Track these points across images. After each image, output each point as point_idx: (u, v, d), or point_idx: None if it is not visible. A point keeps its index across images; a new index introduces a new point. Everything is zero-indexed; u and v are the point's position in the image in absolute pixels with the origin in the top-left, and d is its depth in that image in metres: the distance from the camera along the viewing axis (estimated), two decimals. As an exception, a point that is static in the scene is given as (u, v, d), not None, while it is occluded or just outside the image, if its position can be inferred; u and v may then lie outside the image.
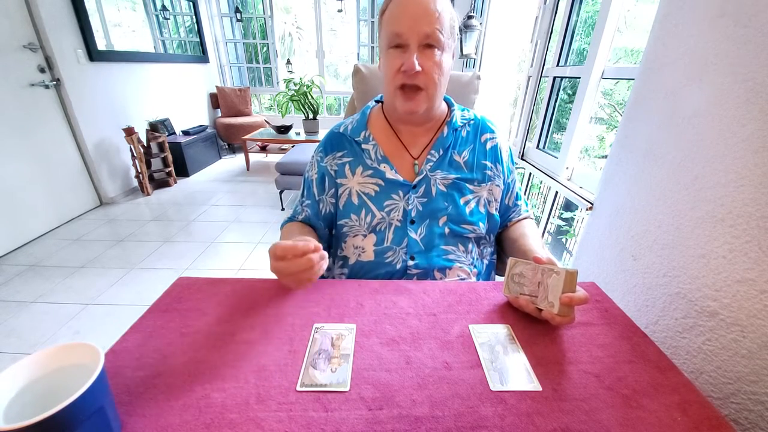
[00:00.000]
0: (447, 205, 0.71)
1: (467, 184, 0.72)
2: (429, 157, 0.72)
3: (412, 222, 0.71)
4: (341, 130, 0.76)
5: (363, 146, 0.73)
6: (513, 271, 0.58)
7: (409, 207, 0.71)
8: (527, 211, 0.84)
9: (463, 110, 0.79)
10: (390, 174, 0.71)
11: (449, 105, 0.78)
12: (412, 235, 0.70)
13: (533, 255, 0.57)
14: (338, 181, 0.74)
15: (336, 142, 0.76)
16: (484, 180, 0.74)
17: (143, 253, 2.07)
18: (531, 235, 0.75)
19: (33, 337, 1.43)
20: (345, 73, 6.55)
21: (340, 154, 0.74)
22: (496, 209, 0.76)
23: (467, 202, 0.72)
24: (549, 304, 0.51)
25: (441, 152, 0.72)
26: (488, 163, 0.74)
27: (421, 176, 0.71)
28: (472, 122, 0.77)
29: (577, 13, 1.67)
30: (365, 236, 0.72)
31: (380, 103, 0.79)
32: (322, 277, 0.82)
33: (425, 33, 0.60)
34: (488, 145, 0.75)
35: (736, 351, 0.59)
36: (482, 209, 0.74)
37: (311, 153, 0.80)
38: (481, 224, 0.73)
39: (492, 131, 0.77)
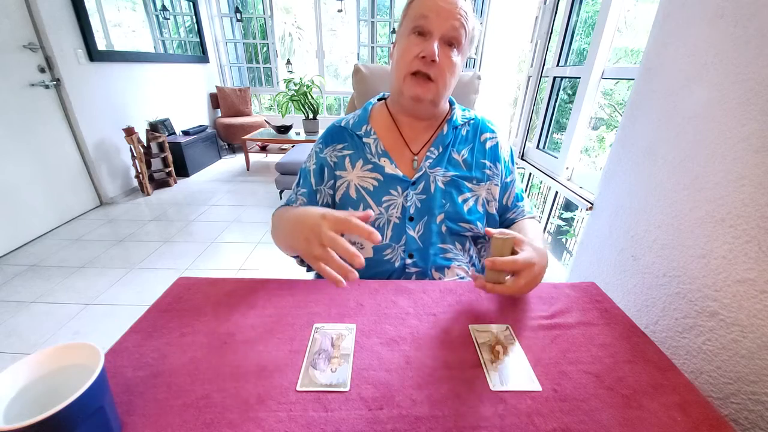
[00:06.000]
0: (445, 202, 0.71)
1: (466, 182, 0.72)
2: (428, 153, 0.72)
3: (411, 219, 0.70)
4: (342, 124, 0.76)
5: (364, 140, 0.73)
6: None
7: (408, 204, 0.70)
8: (531, 212, 0.82)
9: (464, 110, 0.79)
10: (390, 169, 0.71)
11: (450, 104, 0.78)
12: (410, 232, 0.70)
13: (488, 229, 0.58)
14: (337, 173, 0.73)
15: (337, 134, 0.75)
16: (483, 179, 0.73)
17: (143, 253, 2.06)
18: (529, 229, 0.73)
19: (33, 337, 1.43)
20: (345, 73, 6.55)
21: (340, 146, 0.74)
22: (495, 209, 0.76)
23: (465, 200, 0.72)
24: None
25: (440, 149, 0.72)
26: (487, 162, 0.74)
27: (420, 173, 0.71)
28: (472, 122, 0.77)
29: (577, 13, 1.67)
30: None
31: (383, 101, 0.79)
32: (321, 277, 0.82)
33: (451, 25, 0.61)
34: (488, 145, 0.75)
35: (736, 351, 0.59)
36: (480, 208, 0.74)
37: (311, 151, 0.79)
38: (479, 223, 0.73)
39: (492, 131, 0.77)
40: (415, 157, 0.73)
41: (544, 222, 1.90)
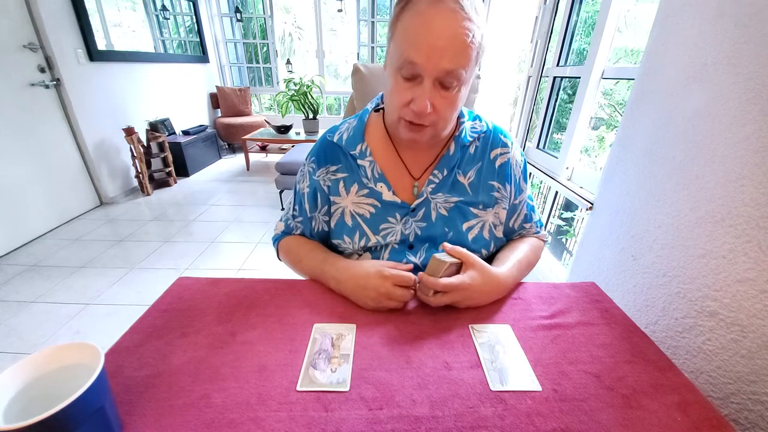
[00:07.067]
0: (447, 230, 0.65)
1: (471, 208, 0.66)
2: (431, 177, 0.64)
3: (411, 247, 0.65)
4: (335, 140, 0.68)
5: (359, 162, 0.65)
6: None
7: (407, 231, 0.65)
8: (538, 232, 0.75)
9: (474, 119, 0.69)
10: (387, 195, 0.64)
11: (459, 116, 0.67)
12: (411, 259, 0.65)
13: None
14: (332, 198, 0.67)
15: (330, 153, 0.68)
16: (490, 204, 0.66)
17: (143, 253, 2.06)
18: (516, 250, 0.68)
19: (33, 337, 1.43)
20: (345, 73, 6.55)
21: (334, 168, 0.67)
22: (502, 232, 0.70)
23: (470, 228, 0.66)
24: None
25: (445, 173, 0.64)
26: (496, 184, 0.66)
27: (421, 199, 0.65)
28: (482, 136, 0.67)
29: (577, 13, 1.67)
30: (360, 256, 0.68)
31: (380, 110, 0.70)
32: None
33: (445, 69, 0.50)
34: (498, 162, 0.67)
35: (736, 351, 0.59)
36: (487, 235, 0.67)
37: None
38: (484, 251, 0.67)
39: (505, 145, 0.68)
40: (416, 183, 0.66)
41: (544, 222, 1.90)
